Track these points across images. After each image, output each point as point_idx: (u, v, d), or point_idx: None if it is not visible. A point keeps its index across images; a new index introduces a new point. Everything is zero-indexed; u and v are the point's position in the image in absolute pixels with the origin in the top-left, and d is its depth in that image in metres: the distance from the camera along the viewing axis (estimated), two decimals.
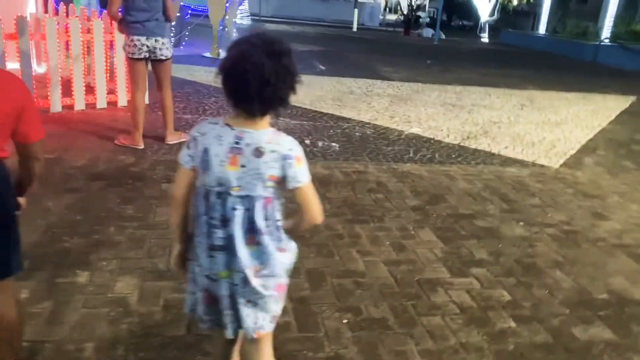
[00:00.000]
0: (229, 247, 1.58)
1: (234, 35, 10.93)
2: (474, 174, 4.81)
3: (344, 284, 2.84)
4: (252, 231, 1.58)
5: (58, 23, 5.67)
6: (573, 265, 3.26)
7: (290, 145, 1.55)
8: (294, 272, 2.79)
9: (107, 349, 2.18)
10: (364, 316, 2.58)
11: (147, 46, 4.46)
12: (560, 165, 5.32)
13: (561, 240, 3.60)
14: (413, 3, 35.76)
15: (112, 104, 6.02)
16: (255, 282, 1.60)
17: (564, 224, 3.87)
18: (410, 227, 3.61)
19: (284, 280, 1.71)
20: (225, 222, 1.57)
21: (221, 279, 1.62)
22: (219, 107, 6.44)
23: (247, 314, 1.65)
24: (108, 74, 6.00)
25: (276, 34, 1.59)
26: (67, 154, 4.39)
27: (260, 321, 1.68)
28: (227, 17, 10.52)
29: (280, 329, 2.36)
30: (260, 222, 1.57)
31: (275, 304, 1.71)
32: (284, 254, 1.67)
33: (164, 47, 4.57)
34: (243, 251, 1.58)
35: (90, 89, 5.94)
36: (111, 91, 6.04)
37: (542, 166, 5.25)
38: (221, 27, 10.44)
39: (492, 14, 30.34)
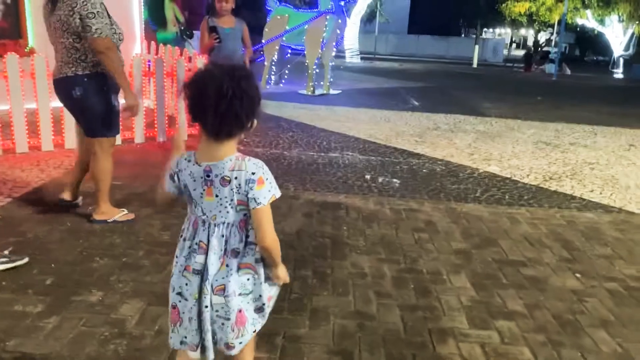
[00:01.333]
0: (203, 272, 1.69)
1: (330, 73, 11.20)
2: (542, 218, 4.41)
3: (346, 325, 2.71)
4: (225, 254, 1.69)
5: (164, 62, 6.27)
6: (624, 327, 2.84)
7: (252, 169, 1.62)
8: (298, 309, 2.77)
9: None
10: None
11: None
12: None
13: (620, 297, 3.16)
14: (539, 38, 34.21)
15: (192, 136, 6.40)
16: (217, 299, 1.69)
17: (631, 280, 3.40)
18: (444, 271, 3.38)
19: (245, 306, 1.73)
20: (206, 248, 1.68)
21: (192, 299, 1.72)
22: (293, 141, 6.59)
23: (210, 330, 1.73)
24: None
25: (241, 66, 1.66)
26: (134, 181, 4.73)
27: (225, 340, 1.74)
28: (322, 56, 10.81)
29: None
30: (236, 244, 1.69)
31: (232, 334, 1.73)
32: (247, 272, 1.71)
33: None
34: (213, 273, 1.68)
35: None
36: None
37: (629, 213, 4.68)
38: (316, 66, 10.75)
39: (626, 49, 28.13)
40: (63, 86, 3.62)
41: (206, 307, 1.69)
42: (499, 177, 5.58)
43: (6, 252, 3.14)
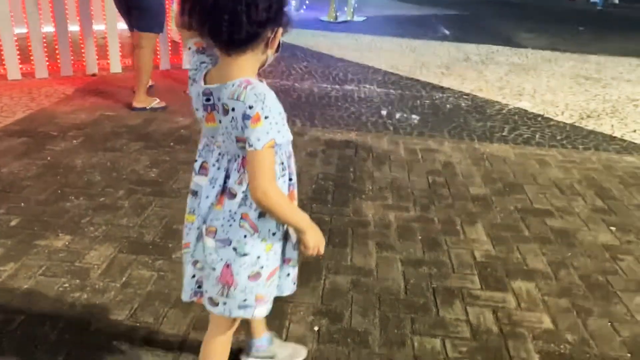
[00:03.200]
0: (198, 195, 1.44)
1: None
2: (576, 161, 3.93)
3: (338, 282, 2.38)
4: (223, 191, 1.39)
5: None
6: None
7: (250, 102, 1.24)
8: None
9: (36, 324, 2.00)
10: (342, 326, 2.11)
11: None
12: None
13: None
14: None
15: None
16: (208, 241, 1.42)
17: None
18: (458, 221, 2.99)
19: (235, 266, 1.41)
20: (204, 171, 1.43)
21: (187, 222, 1.49)
22: (306, 72, 6.10)
23: (193, 274, 1.51)
24: None
25: None
26: (129, 112, 4.39)
27: (209, 293, 1.48)
28: None
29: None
30: (234, 184, 1.36)
31: (215, 287, 1.44)
32: (246, 227, 1.38)
33: None
34: (205, 208, 1.41)
35: None
36: None
37: None
38: None
39: None
40: None
41: (197, 240, 1.46)
42: (530, 113, 5.04)
43: None
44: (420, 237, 2.80)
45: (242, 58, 1.28)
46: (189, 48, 1.41)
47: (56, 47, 5.19)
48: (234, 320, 1.55)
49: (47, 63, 5.19)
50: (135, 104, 4.40)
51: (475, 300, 2.32)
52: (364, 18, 10.81)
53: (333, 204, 3.10)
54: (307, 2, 10.63)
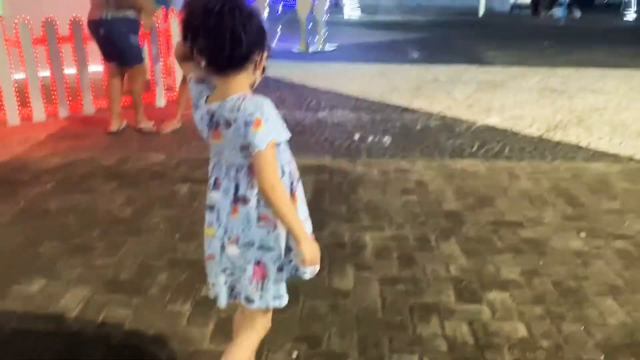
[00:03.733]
0: (216, 209, 1.59)
1: (324, 29, 10.66)
2: (545, 172, 4.03)
3: (316, 306, 2.40)
4: (236, 201, 1.54)
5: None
6: (634, 293, 2.50)
7: (251, 109, 1.42)
8: None
9: None
10: (321, 349, 2.13)
11: None
12: None
13: (630, 258, 2.81)
14: None
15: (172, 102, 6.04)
16: (231, 250, 1.56)
17: None
18: (432, 237, 3.04)
19: (265, 260, 1.56)
20: (218, 186, 1.58)
21: (209, 236, 1.62)
22: (279, 101, 6.19)
23: (225, 280, 1.63)
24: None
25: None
26: (102, 153, 4.40)
27: (245, 293, 1.60)
28: (315, 10, 10.26)
29: (213, 356, 2.02)
30: (245, 191, 1.52)
31: (250, 286, 1.57)
32: (266, 225, 1.54)
33: None
34: (225, 219, 1.56)
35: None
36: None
37: None
38: (310, 22, 10.22)
39: None
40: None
41: (222, 250, 1.59)
42: (499, 129, 5.16)
43: None
44: (396, 256, 2.83)
45: (237, 77, 1.46)
46: (190, 79, 1.58)
47: (27, 93, 5.22)
48: (268, 317, 1.68)
49: (19, 110, 5.20)
50: (139, 125, 5.02)
51: (451, 314, 2.35)
52: (335, 47, 11.02)
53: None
54: (278, 34, 10.81)
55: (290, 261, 1.63)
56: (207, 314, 2.31)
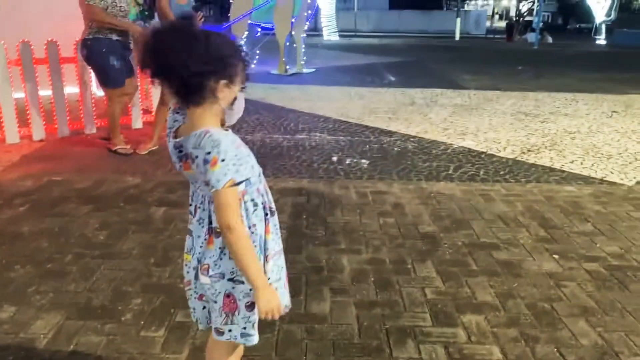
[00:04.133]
0: (194, 236, 1.58)
1: (303, 50, 10.77)
2: (519, 195, 4.10)
3: (293, 331, 2.39)
4: (210, 231, 1.52)
5: None
6: (606, 315, 2.54)
7: (209, 148, 1.38)
8: None
9: None
10: None
11: None
12: (637, 183, 4.41)
13: (602, 280, 2.86)
14: (521, 8, 33.86)
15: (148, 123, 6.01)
16: (203, 279, 1.54)
17: (613, 258, 3.10)
18: (409, 259, 3.06)
19: (235, 294, 1.55)
20: (195, 214, 1.57)
21: (186, 261, 1.63)
22: (258, 124, 6.21)
23: (203, 305, 1.65)
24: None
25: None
26: (77, 175, 4.35)
27: (215, 323, 1.60)
28: (293, 33, 10.38)
29: None
30: (215, 224, 1.50)
31: (220, 318, 1.57)
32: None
33: None
34: (198, 247, 1.55)
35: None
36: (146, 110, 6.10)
37: (611, 184, 4.38)
38: (288, 43, 10.32)
39: (608, 14, 27.76)
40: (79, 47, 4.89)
41: (196, 278, 1.58)
42: (474, 151, 5.25)
43: None
44: (372, 279, 2.84)
45: (199, 110, 1.43)
46: (169, 108, 1.59)
47: (0, 115, 5.15)
48: (239, 350, 1.70)
49: None
50: (112, 147, 4.99)
51: (427, 337, 2.36)
52: (314, 69, 11.13)
53: (287, 252, 3.08)
54: (257, 57, 10.89)
55: None
56: (182, 339, 2.28)
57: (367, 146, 5.37)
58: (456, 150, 5.27)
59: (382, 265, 2.99)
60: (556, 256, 3.12)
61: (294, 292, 2.66)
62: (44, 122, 5.43)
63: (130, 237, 3.26)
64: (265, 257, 1.57)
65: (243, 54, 1.47)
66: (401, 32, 26.75)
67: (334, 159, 4.94)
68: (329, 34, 20.87)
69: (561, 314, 2.54)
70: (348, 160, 4.89)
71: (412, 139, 5.66)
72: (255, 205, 1.53)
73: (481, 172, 4.62)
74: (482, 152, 5.22)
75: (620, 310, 2.57)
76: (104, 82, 4.87)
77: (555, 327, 2.44)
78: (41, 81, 5.40)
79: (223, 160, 1.37)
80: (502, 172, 4.63)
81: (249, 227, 1.51)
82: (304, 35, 10.88)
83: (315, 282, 2.80)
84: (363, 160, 4.89)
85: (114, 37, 4.70)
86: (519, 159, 5.04)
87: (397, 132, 5.96)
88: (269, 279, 1.55)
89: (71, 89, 5.73)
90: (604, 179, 4.50)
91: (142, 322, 2.41)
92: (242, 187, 1.46)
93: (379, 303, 2.62)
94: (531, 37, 23.03)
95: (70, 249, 3.08)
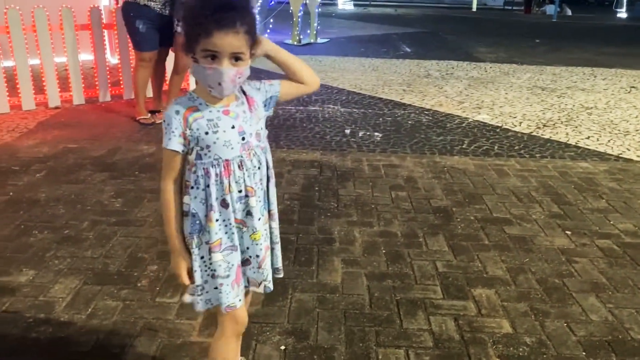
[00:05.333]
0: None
1: (317, 21, 10.64)
2: (533, 170, 4.07)
3: (305, 300, 2.42)
4: None
5: None
6: (617, 291, 2.55)
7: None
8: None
9: (1, 358, 2.00)
10: (309, 343, 2.15)
11: None
12: None
13: (614, 257, 2.86)
14: None
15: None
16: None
17: (627, 235, 3.09)
18: (420, 233, 3.07)
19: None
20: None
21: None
22: None
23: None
24: None
25: None
26: (92, 143, 4.39)
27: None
28: (307, 1, 10.24)
29: (201, 348, 2.04)
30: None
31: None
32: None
33: None
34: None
35: None
36: None
37: (628, 161, 4.34)
38: (301, 13, 10.19)
39: None
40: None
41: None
42: (489, 126, 5.21)
43: None
44: (384, 251, 2.86)
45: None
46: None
47: (17, 81, 5.17)
48: (231, 315, 1.65)
49: (9, 98, 5.16)
50: (136, 115, 5.05)
51: (437, 309, 2.38)
52: (327, 40, 11.01)
53: (299, 223, 3.15)
54: (270, 26, 10.77)
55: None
56: None
57: (381, 119, 5.34)
58: (471, 124, 5.23)
59: (394, 238, 3.01)
60: (569, 232, 3.12)
61: (306, 262, 2.71)
62: (60, 90, 5.45)
63: (146, 205, 3.30)
64: (208, 246, 1.52)
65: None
66: (417, 2, 26.22)
67: (347, 131, 4.93)
68: (344, 2, 20.55)
69: (572, 290, 2.55)
70: (361, 133, 4.88)
71: (426, 112, 5.61)
72: (198, 184, 1.49)
73: (495, 147, 4.59)
74: (498, 127, 5.17)
75: (632, 287, 2.58)
76: (133, 44, 4.94)
77: (566, 303, 2.45)
78: (56, 48, 5.40)
79: (164, 127, 1.47)
80: (516, 147, 4.60)
81: (184, 201, 1.55)
82: (319, 4, 10.72)
83: (327, 253, 2.83)
84: (376, 133, 4.87)
85: (143, 1, 4.68)
86: (534, 134, 4.99)
87: (412, 104, 5.91)
88: (213, 271, 1.54)
89: (85, 56, 5.73)
90: (620, 155, 4.45)
91: (158, 289, 2.46)
92: (192, 158, 1.49)
93: (390, 275, 2.65)
94: (550, 9, 22.49)
95: (87, 216, 3.14)
